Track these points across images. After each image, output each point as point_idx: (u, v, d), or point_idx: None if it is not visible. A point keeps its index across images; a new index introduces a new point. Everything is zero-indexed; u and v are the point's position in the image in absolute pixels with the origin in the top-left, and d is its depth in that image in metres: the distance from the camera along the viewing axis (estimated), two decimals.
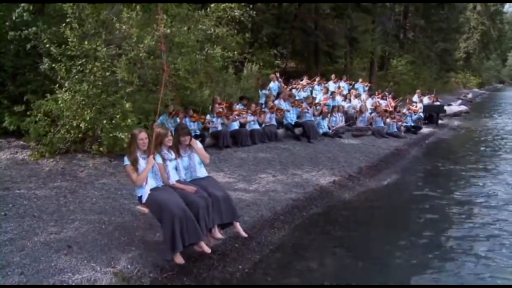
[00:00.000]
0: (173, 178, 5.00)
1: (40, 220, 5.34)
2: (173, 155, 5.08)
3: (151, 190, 4.74)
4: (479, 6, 61.01)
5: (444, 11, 35.64)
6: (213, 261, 5.00)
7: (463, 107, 26.93)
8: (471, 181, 9.84)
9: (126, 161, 4.79)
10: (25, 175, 6.95)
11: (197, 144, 5.35)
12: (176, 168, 5.10)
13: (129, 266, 4.51)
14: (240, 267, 5.06)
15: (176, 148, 5.14)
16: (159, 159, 4.91)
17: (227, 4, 16.88)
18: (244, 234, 5.20)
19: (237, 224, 5.19)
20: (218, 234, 5.03)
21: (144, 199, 4.73)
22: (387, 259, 5.59)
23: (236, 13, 17.44)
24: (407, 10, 34.99)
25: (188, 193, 4.82)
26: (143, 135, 4.83)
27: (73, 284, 4.10)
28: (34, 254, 4.51)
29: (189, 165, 5.24)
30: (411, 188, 9.26)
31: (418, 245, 6.07)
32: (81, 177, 7.09)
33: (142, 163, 4.75)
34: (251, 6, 18.80)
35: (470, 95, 40.10)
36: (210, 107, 10.81)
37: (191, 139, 5.20)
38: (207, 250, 4.74)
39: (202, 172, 5.33)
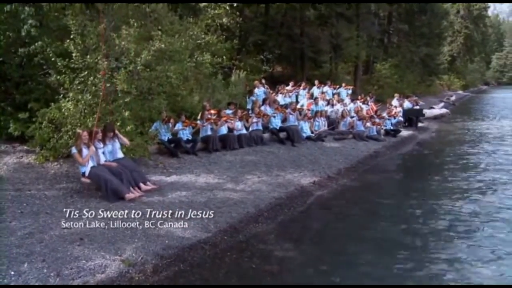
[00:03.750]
0: (102, 159, 7.56)
1: (53, 217, 6.12)
2: (101, 144, 7.60)
3: (90, 167, 7.15)
4: (462, 10, 62.44)
5: (426, 16, 36.73)
6: (205, 250, 5.82)
7: (444, 110, 27.87)
8: (443, 181, 10.52)
9: (74, 150, 7.11)
10: (33, 178, 7.68)
11: (119, 135, 7.88)
12: (104, 153, 7.64)
13: (133, 255, 5.30)
14: (228, 254, 5.88)
15: (103, 139, 7.64)
16: (93, 148, 7.23)
17: (215, 12, 17.71)
18: (153, 186, 7.73)
19: (148, 184, 7.73)
20: (146, 187, 7.60)
21: (87, 174, 7.11)
22: (360, 250, 6.32)
23: (224, 20, 18.28)
24: (391, 15, 35.94)
25: (113, 167, 7.41)
26: (85, 133, 7.19)
27: (88, 269, 4.88)
28: (52, 245, 5.29)
29: (112, 150, 7.79)
30: (385, 188, 10.10)
31: (389, 239, 6.78)
32: (85, 179, 7.81)
33: (84, 151, 7.09)
34: (237, 13, 19.66)
35: (453, 98, 41.23)
36: (200, 113, 11.53)
37: (114, 134, 7.76)
38: (137, 195, 7.22)
39: (120, 154, 7.91)
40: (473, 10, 63.00)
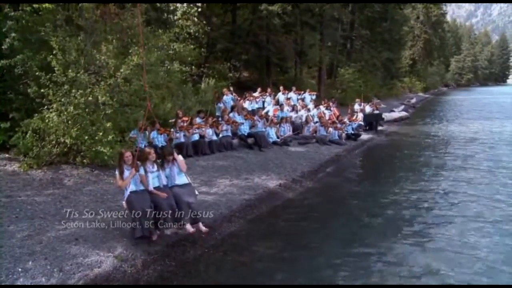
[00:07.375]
0: (152, 186, 6.70)
1: (47, 220, 6.75)
2: (155, 168, 6.84)
3: (130, 192, 6.51)
4: (421, 16, 64.99)
5: (386, 23, 38.42)
6: (186, 247, 6.65)
7: (404, 113, 29.40)
8: (399, 181, 11.57)
9: (116, 172, 6.60)
10: (20, 185, 8.18)
11: (179, 157, 7.18)
12: (158, 177, 6.81)
13: (124, 252, 6.06)
14: (206, 250, 6.74)
15: (162, 162, 7.00)
16: (142, 171, 6.65)
17: (184, 23, 18.46)
18: (206, 229, 6.93)
19: (201, 226, 6.92)
20: (192, 228, 6.75)
21: (125, 198, 6.54)
22: (320, 245, 7.23)
23: (192, 30, 19.05)
24: (353, 22, 37.33)
25: (158, 198, 6.55)
26: (128, 154, 6.64)
27: (86, 265, 5.61)
28: (51, 245, 5.97)
29: (170, 174, 7.03)
30: (344, 188, 11.04)
31: (346, 234, 7.72)
32: (70, 185, 8.45)
33: (126, 173, 6.53)
34: (204, 22, 20.45)
35: (413, 100, 43.25)
36: (174, 120, 12.27)
37: (173, 157, 7.04)
38: (154, 238, 6.50)
39: (181, 179, 7.09)
40: (431, 15, 65.71)
